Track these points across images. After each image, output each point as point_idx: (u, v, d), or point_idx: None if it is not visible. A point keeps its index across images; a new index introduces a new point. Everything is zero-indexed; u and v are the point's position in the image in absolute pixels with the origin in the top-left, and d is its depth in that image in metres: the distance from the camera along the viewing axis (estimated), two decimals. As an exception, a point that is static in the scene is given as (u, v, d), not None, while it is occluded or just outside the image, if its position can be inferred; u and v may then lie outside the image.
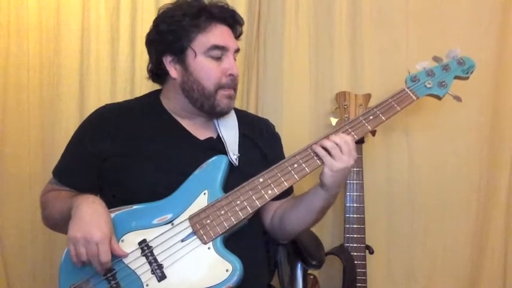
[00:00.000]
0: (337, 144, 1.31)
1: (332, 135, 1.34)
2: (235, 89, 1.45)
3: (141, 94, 1.62)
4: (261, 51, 2.09)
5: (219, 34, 1.42)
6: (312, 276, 1.87)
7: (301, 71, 2.08)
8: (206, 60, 1.41)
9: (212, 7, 1.43)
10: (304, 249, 1.62)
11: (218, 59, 1.41)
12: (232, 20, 1.47)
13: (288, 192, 1.46)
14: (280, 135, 1.64)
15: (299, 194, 1.47)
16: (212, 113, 1.44)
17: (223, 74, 1.41)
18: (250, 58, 2.04)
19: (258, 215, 1.38)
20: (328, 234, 2.06)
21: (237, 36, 1.51)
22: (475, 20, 2.02)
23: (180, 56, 1.42)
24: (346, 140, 1.32)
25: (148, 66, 1.51)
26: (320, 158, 1.33)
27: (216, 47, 1.40)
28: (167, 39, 1.41)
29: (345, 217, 1.88)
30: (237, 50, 1.47)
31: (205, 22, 1.41)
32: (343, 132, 1.36)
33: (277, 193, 1.32)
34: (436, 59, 1.46)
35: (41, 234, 2.04)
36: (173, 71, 1.43)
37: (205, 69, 1.40)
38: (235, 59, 1.46)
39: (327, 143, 1.32)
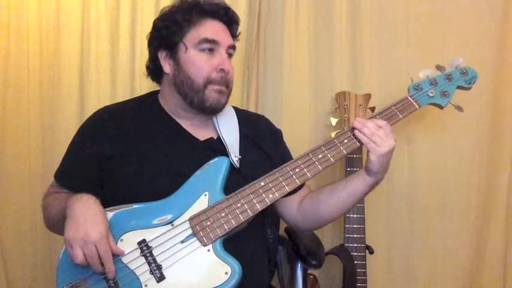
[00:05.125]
0: (373, 132, 1.33)
1: (368, 121, 1.35)
2: (227, 86, 1.44)
3: (141, 94, 1.62)
4: (261, 51, 2.09)
5: (210, 28, 1.43)
6: (312, 276, 1.87)
7: (301, 71, 2.08)
8: (197, 54, 1.41)
9: (205, 3, 1.45)
10: (304, 249, 1.62)
11: (210, 53, 1.42)
12: (225, 17, 1.48)
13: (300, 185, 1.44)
14: (281, 130, 1.63)
15: (336, 181, 1.47)
16: (202, 108, 1.43)
17: (213, 68, 1.41)
18: (250, 58, 2.04)
19: (259, 216, 1.37)
20: (328, 234, 2.06)
21: (234, 34, 1.51)
22: (475, 20, 2.02)
23: (172, 50, 1.44)
24: (380, 126, 1.34)
25: (146, 64, 1.53)
26: (325, 161, 1.33)
27: (206, 40, 1.41)
28: (162, 34, 1.45)
29: (345, 217, 1.87)
30: (232, 47, 1.47)
31: (197, 17, 1.43)
32: (347, 137, 1.36)
33: (278, 197, 1.32)
34: (439, 67, 1.46)
35: (41, 234, 2.05)
36: (167, 66, 1.45)
37: (195, 63, 1.41)
38: (230, 56, 1.47)
39: (366, 130, 1.33)
